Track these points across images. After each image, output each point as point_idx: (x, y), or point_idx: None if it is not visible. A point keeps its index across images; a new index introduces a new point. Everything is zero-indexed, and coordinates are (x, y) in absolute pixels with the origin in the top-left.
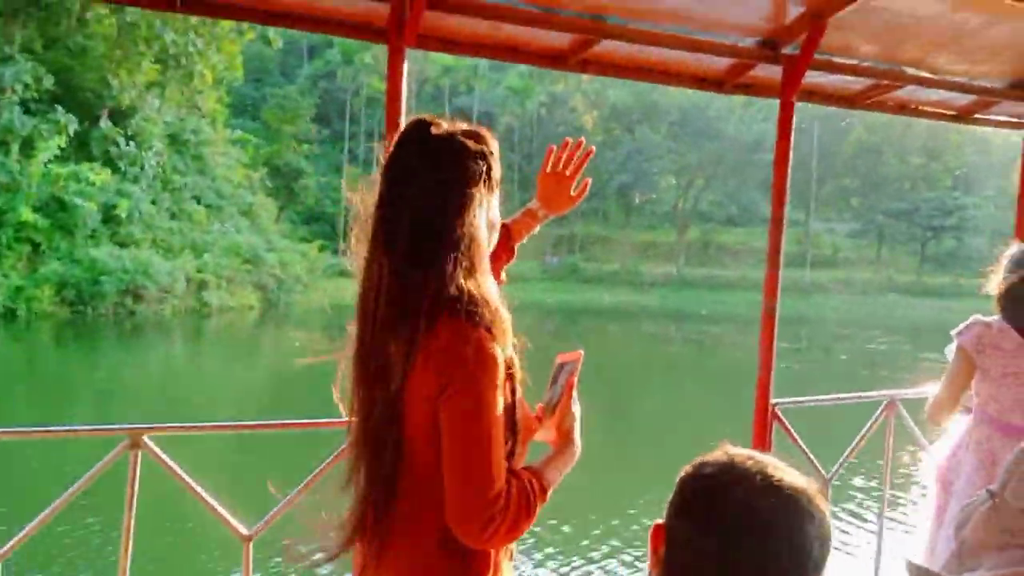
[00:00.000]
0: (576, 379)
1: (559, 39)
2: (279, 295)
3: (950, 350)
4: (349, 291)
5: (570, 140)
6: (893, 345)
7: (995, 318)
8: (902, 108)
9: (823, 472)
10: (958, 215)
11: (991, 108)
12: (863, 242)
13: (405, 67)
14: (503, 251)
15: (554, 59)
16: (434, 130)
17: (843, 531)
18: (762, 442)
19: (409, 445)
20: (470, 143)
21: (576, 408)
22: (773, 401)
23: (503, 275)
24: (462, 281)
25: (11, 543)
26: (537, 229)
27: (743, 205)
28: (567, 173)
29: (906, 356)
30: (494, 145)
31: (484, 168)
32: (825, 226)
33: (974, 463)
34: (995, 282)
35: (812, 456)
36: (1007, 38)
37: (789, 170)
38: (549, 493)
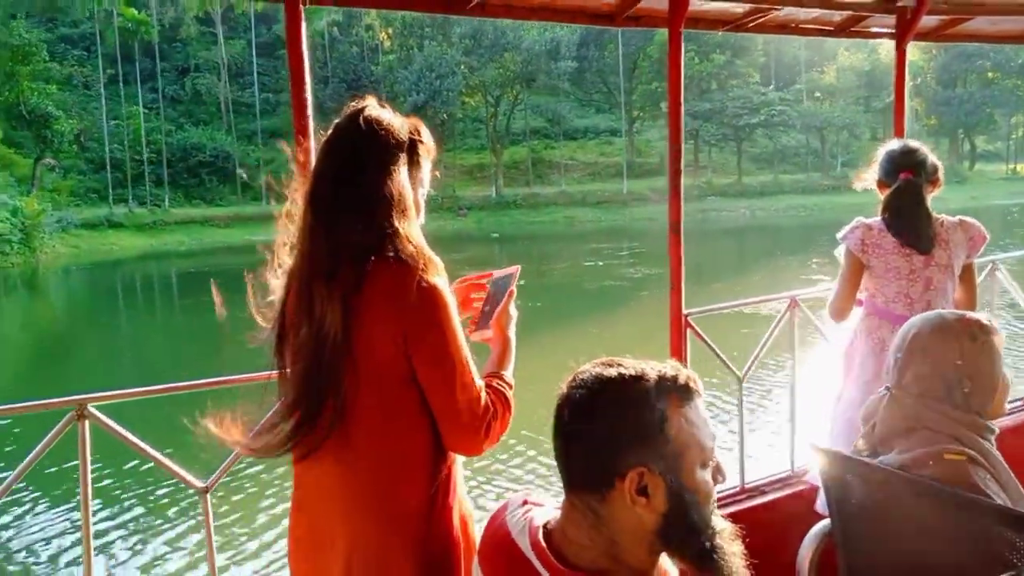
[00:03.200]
0: (514, 288)
1: None
2: None
3: (839, 252)
4: (118, 247)
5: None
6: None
7: (876, 220)
8: (783, 28)
9: (736, 372)
10: (766, 112)
11: (864, 22)
12: (686, 146)
13: (304, 25)
14: None
15: (450, 4)
16: (367, 111)
17: (759, 423)
18: (679, 349)
19: (362, 385)
20: (394, 123)
21: (513, 311)
22: (685, 312)
23: None
24: (393, 229)
25: None
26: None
27: (556, 120)
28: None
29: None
30: (425, 134)
31: (406, 143)
32: (658, 134)
33: (866, 350)
34: (871, 178)
35: (725, 358)
36: None
37: (682, 98)
38: (513, 382)
